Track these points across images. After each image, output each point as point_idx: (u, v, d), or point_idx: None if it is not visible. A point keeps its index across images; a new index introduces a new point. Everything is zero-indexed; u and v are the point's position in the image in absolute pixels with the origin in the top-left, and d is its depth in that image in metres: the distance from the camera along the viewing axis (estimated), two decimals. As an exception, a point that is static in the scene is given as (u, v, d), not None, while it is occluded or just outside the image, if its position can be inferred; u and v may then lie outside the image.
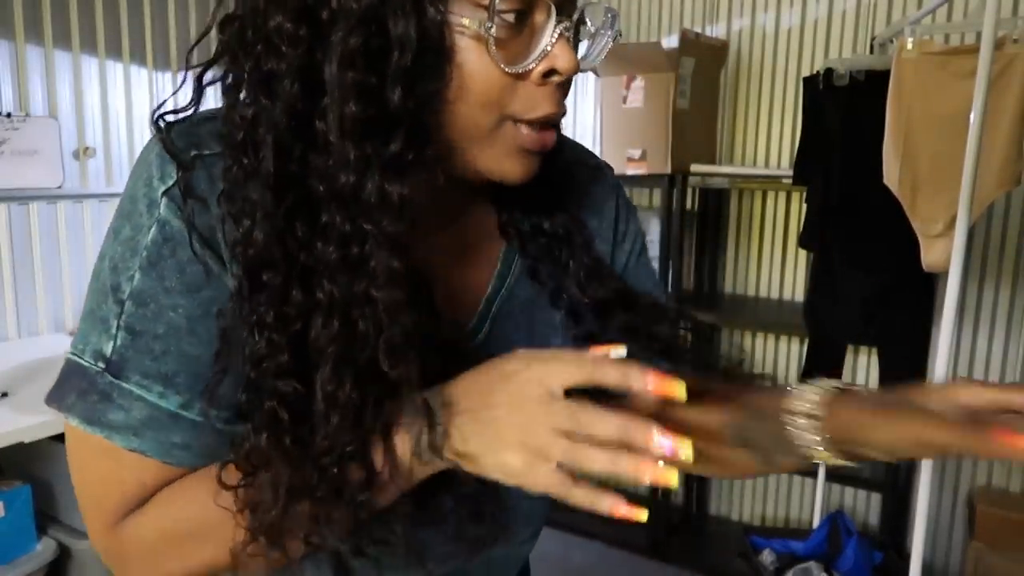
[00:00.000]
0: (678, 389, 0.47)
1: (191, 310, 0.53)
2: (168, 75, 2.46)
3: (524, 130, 0.53)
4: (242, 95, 0.51)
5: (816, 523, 2.53)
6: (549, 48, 0.51)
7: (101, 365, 0.54)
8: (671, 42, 2.47)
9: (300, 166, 0.50)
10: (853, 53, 2.47)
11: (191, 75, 0.53)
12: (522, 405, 0.48)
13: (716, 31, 2.70)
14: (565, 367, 0.48)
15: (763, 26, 2.64)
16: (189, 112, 0.54)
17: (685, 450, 0.46)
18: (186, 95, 0.54)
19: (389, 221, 0.49)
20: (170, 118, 0.54)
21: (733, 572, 2.50)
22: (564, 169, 0.67)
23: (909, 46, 1.85)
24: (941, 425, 0.47)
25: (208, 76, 0.53)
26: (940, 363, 1.57)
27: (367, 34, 0.47)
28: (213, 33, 0.54)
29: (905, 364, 2.17)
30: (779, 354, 2.76)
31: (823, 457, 0.52)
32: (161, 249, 0.53)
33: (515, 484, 0.48)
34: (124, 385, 0.54)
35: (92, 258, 2.27)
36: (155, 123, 0.54)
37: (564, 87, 0.54)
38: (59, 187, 2.16)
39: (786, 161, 2.63)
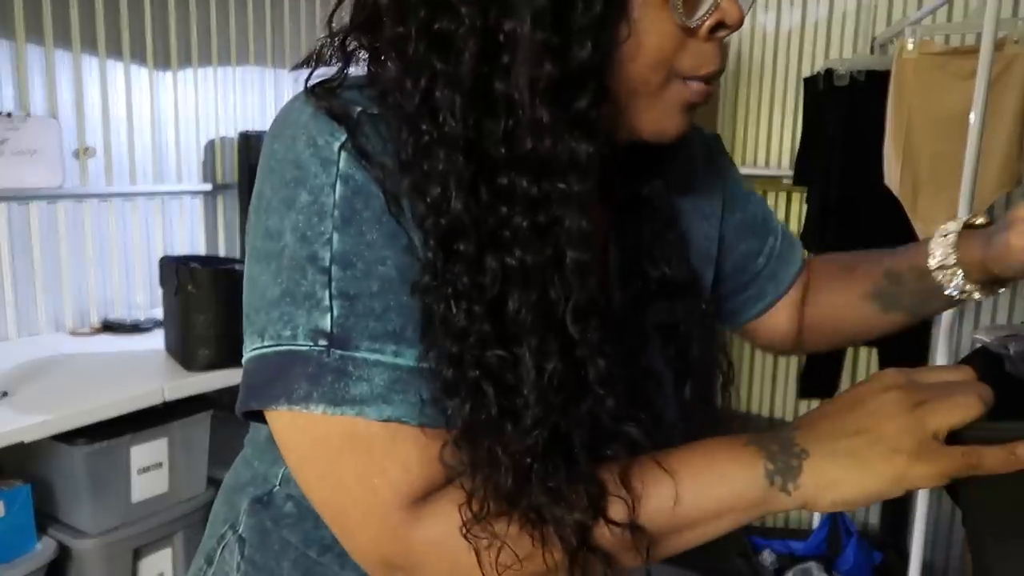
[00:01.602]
0: None
1: (399, 259, 0.49)
2: (168, 75, 2.46)
3: (693, 85, 0.53)
4: (407, 58, 0.49)
5: (816, 523, 2.53)
6: (719, 1, 0.51)
7: (323, 343, 0.49)
8: (671, 42, 2.47)
9: (477, 130, 0.48)
10: (853, 53, 2.47)
11: (330, 45, 0.52)
12: (888, 416, 0.48)
13: (716, 31, 2.70)
14: (943, 414, 0.48)
15: (763, 26, 2.64)
16: (335, 80, 0.52)
17: None
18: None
19: (578, 180, 0.48)
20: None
21: (733, 572, 2.50)
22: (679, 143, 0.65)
23: (909, 46, 1.85)
24: None
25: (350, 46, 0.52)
26: (940, 363, 1.57)
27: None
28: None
29: (905, 364, 2.16)
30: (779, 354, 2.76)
31: (970, 295, 0.62)
32: (353, 204, 0.49)
33: (898, 490, 0.48)
34: (357, 355, 0.49)
35: (92, 258, 2.27)
36: (310, 90, 0.51)
37: (724, 43, 0.54)
38: (59, 187, 2.16)
39: (786, 161, 2.63)
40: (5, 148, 2.04)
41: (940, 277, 0.65)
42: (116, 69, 2.32)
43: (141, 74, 2.38)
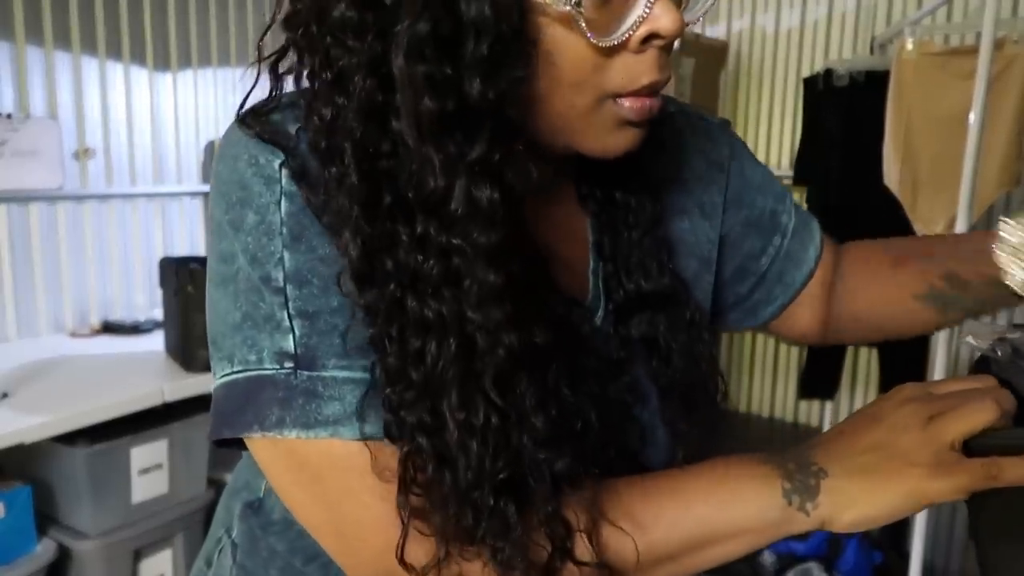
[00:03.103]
0: None
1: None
2: (168, 75, 2.46)
3: (626, 103, 0.48)
4: (315, 93, 0.47)
5: (816, 523, 2.53)
6: (647, 10, 0.45)
7: (290, 365, 0.47)
8: (671, 43, 2.47)
9: (388, 167, 0.45)
10: (853, 54, 2.47)
11: (262, 67, 0.50)
12: (903, 429, 0.47)
13: (716, 31, 2.70)
14: (958, 423, 0.47)
15: (763, 26, 2.64)
16: (269, 104, 0.51)
17: None
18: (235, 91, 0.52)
19: (480, 232, 0.44)
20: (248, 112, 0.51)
21: (733, 572, 2.50)
22: (667, 137, 0.62)
23: (909, 47, 1.85)
24: None
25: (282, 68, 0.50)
26: (940, 363, 1.57)
27: (436, 19, 0.42)
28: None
29: (905, 364, 2.17)
30: (779, 354, 2.76)
31: None
32: (300, 220, 0.48)
33: (917, 507, 0.46)
34: (325, 374, 0.47)
35: (92, 259, 2.27)
36: (240, 119, 0.50)
37: (667, 49, 0.48)
38: (59, 188, 2.16)
39: (786, 161, 2.63)
40: (5, 149, 2.04)
41: (1007, 266, 0.60)
42: (116, 70, 2.32)
43: (141, 75, 2.38)
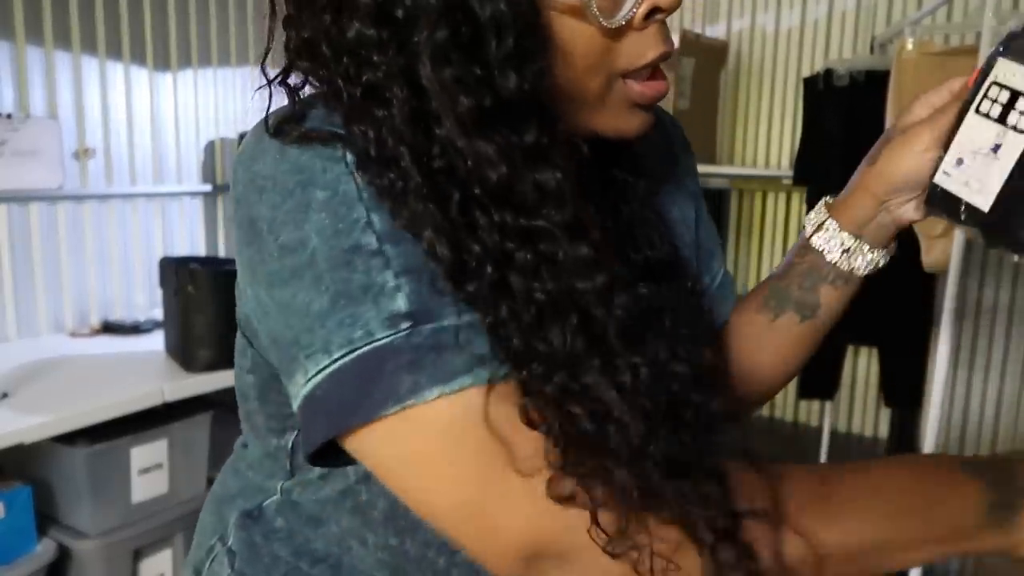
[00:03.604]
0: None
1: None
2: (168, 75, 2.46)
3: (636, 86, 0.51)
4: (349, 110, 0.47)
5: (816, 523, 2.53)
6: None
7: (406, 325, 0.44)
8: (671, 42, 2.47)
9: (443, 167, 0.45)
10: (853, 53, 2.47)
11: (273, 87, 0.51)
12: None
13: (716, 31, 2.70)
14: None
15: (763, 26, 2.64)
16: (295, 113, 0.49)
17: None
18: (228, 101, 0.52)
19: (556, 211, 0.45)
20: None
21: (733, 572, 2.51)
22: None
23: (909, 46, 1.85)
24: None
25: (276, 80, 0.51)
26: (940, 363, 1.57)
27: (453, 25, 0.43)
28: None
29: (905, 364, 2.17)
30: (779, 354, 2.75)
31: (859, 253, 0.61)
32: (380, 184, 0.46)
33: None
34: (447, 323, 0.44)
35: (92, 259, 2.27)
36: (275, 131, 0.48)
37: (664, 24, 0.51)
38: (59, 188, 2.16)
39: (786, 161, 2.63)
40: (5, 149, 2.04)
41: (819, 243, 0.64)
42: (116, 70, 2.32)
43: (141, 75, 2.38)
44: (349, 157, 0.46)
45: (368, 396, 0.43)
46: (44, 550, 1.71)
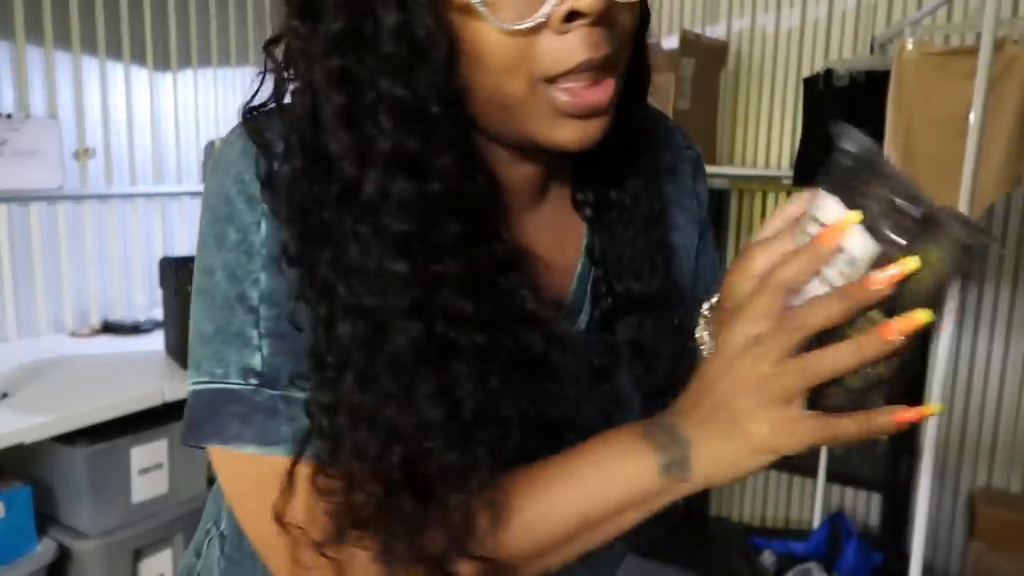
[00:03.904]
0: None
1: None
2: (168, 75, 2.46)
3: (562, 94, 0.47)
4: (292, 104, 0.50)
5: (816, 524, 2.53)
6: None
7: (254, 381, 0.49)
8: (671, 43, 2.47)
9: (320, 163, 0.48)
10: (853, 54, 2.47)
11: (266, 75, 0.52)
12: (744, 391, 0.44)
13: (716, 32, 2.70)
14: (799, 261, 0.43)
15: (763, 26, 2.64)
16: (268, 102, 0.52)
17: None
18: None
19: (393, 220, 0.45)
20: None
21: (733, 573, 2.50)
22: (640, 132, 0.60)
23: (909, 47, 1.85)
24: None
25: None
26: (940, 364, 1.57)
27: (353, 19, 0.45)
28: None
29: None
30: (779, 355, 2.75)
31: None
32: (279, 241, 0.49)
33: (768, 461, 0.45)
34: (287, 394, 0.49)
35: (92, 259, 2.27)
36: (245, 115, 0.52)
37: (607, 26, 0.46)
38: (59, 188, 2.16)
39: (786, 162, 2.63)
40: (5, 149, 2.04)
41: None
42: (116, 70, 2.32)
43: (141, 75, 2.38)
44: (267, 193, 0.49)
45: (205, 425, 0.50)
46: (44, 550, 1.71)
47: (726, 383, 0.45)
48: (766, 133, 2.68)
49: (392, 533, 0.47)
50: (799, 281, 0.44)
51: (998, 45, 1.63)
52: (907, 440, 2.43)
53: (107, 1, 2.26)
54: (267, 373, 0.49)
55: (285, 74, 0.50)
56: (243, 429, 0.49)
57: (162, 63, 2.44)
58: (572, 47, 0.45)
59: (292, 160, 0.48)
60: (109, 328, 2.24)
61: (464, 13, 0.45)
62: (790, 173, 2.27)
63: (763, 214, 2.73)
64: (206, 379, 0.50)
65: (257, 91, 0.53)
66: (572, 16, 0.44)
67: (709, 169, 2.70)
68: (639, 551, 2.60)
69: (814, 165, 1.97)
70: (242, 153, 0.51)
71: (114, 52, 2.30)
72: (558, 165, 0.58)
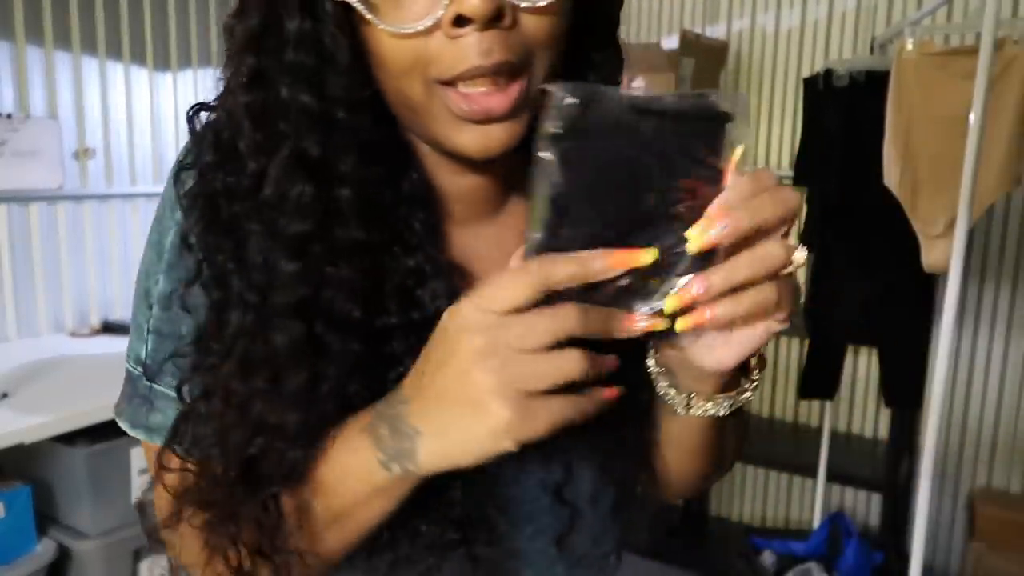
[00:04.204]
0: (644, 256, 0.40)
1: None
2: (168, 75, 2.46)
3: (459, 100, 0.46)
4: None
5: (816, 524, 2.53)
6: None
7: (140, 370, 0.55)
8: (671, 43, 2.47)
9: (232, 163, 0.50)
10: (853, 54, 2.47)
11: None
12: (457, 354, 0.42)
13: (716, 32, 2.70)
14: (507, 285, 0.41)
15: (763, 27, 2.64)
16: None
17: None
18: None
19: (288, 220, 0.47)
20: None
21: (733, 573, 2.50)
22: None
23: (909, 47, 1.85)
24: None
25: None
26: (940, 364, 1.57)
27: (264, 21, 0.47)
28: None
29: (905, 364, 2.17)
30: (779, 354, 2.75)
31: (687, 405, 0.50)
32: (180, 251, 0.52)
33: (492, 450, 0.42)
34: (158, 387, 0.54)
35: (92, 259, 2.27)
36: (188, 119, 0.55)
37: (506, 31, 0.45)
38: (59, 188, 2.16)
39: (786, 162, 2.63)
40: (5, 149, 2.04)
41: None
42: (116, 70, 2.32)
43: (141, 75, 2.38)
44: (182, 206, 0.52)
45: (120, 396, 0.58)
46: (44, 550, 1.71)
47: (457, 364, 0.42)
48: (766, 133, 2.68)
49: (219, 518, 0.49)
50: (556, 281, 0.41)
51: (998, 45, 1.63)
52: (907, 440, 2.43)
53: (107, 1, 2.26)
54: (149, 365, 0.55)
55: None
56: (126, 407, 0.57)
57: (162, 63, 2.44)
58: (462, 52, 0.44)
59: (206, 153, 0.51)
60: (109, 328, 2.24)
61: (363, 19, 0.46)
62: (790, 173, 2.27)
63: (763, 214, 2.73)
64: (127, 359, 0.58)
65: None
66: (461, 20, 0.44)
67: (709, 169, 2.67)
68: (639, 551, 2.60)
69: (814, 165, 1.99)
70: (178, 160, 0.54)
71: (114, 52, 2.30)
72: (512, 177, 0.56)
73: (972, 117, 1.50)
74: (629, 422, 0.55)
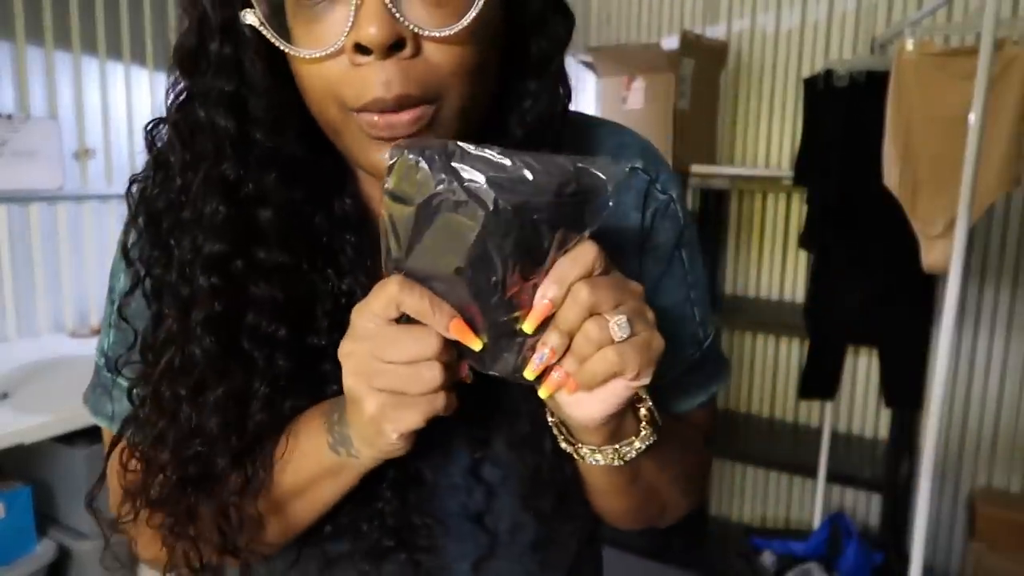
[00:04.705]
0: (475, 343, 0.44)
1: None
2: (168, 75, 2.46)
3: (364, 116, 0.46)
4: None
5: (816, 524, 2.53)
6: (351, 19, 0.44)
7: (101, 361, 0.60)
8: (671, 43, 2.47)
9: (164, 179, 0.53)
10: (853, 54, 2.47)
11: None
12: (350, 347, 0.46)
13: (716, 32, 2.70)
14: (374, 299, 0.45)
15: (763, 27, 2.64)
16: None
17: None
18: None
19: (205, 238, 0.50)
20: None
21: (733, 573, 2.50)
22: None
23: (909, 47, 1.85)
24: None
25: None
26: (940, 364, 1.57)
27: (197, 42, 0.49)
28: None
29: (905, 364, 2.17)
30: (779, 354, 2.76)
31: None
32: (138, 248, 0.56)
33: (381, 439, 0.47)
34: (117, 379, 0.58)
35: (92, 259, 2.27)
36: (145, 128, 0.55)
37: (411, 61, 0.45)
38: (59, 188, 2.16)
39: (786, 162, 2.63)
40: (5, 149, 2.04)
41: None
42: (116, 70, 2.32)
43: (141, 75, 2.38)
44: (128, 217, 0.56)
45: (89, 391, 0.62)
46: (44, 550, 1.71)
47: (344, 364, 0.47)
48: (766, 133, 2.68)
49: (172, 516, 0.53)
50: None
51: (998, 45, 1.64)
52: (907, 440, 2.43)
53: (107, 1, 2.26)
54: (110, 356, 0.58)
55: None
56: (91, 395, 0.61)
57: (162, 63, 2.44)
58: (365, 82, 0.45)
59: (147, 168, 0.54)
60: (109, 328, 2.24)
61: (268, 34, 0.47)
62: (790, 173, 2.27)
63: (763, 214, 2.73)
64: (96, 350, 0.61)
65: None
66: (361, 48, 0.44)
67: (709, 169, 2.69)
68: (639, 551, 2.60)
69: (814, 165, 1.99)
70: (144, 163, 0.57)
71: (114, 52, 2.30)
72: None
73: (972, 117, 1.50)
74: (545, 457, 0.56)
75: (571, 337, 0.44)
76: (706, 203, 2.76)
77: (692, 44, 2.43)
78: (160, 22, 2.41)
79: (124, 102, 2.34)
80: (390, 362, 0.44)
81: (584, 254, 0.43)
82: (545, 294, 0.43)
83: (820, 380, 2.31)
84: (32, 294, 2.16)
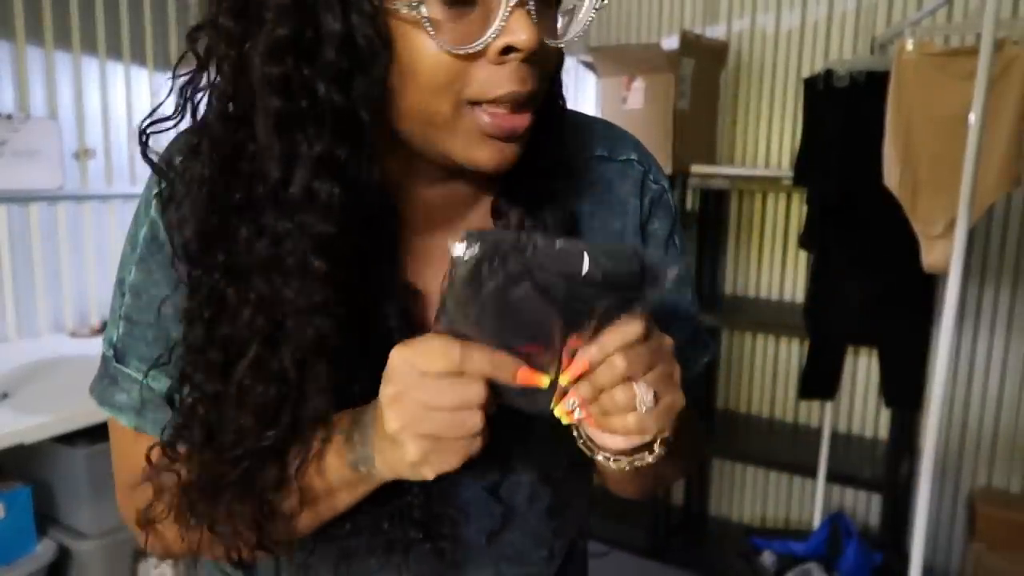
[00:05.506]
0: (543, 380, 0.47)
1: (176, 301, 0.56)
2: (168, 76, 2.46)
3: (485, 116, 0.50)
4: (204, 101, 0.53)
5: (816, 524, 2.53)
6: (504, 23, 0.47)
7: (110, 352, 0.60)
8: (671, 43, 2.47)
9: (249, 169, 0.50)
10: (853, 54, 2.47)
11: (171, 84, 0.55)
12: (381, 395, 0.48)
13: (716, 32, 2.70)
14: (430, 354, 0.46)
15: (763, 27, 2.64)
16: (176, 120, 0.55)
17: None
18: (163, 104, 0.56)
19: (316, 220, 0.49)
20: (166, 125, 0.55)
21: (733, 573, 2.50)
22: (570, 159, 0.62)
23: (909, 47, 1.85)
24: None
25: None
26: (940, 364, 1.57)
27: (296, 25, 0.47)
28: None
29: (905, 365, 2.17)
30: (779, 354, 2.76)
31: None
32: (150, 246, 0.57)
33: (416, 476, 0.49)
34: (124, 369, 0.59)
35: (92, 259, 2.27)
36: (140, 131, 0.55)
37: (535, 64, 0.50)
38: (59, 188, 2.16)
39: (786, 162, 2.63)
40: (5, 149, 2.04)
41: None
42: (116, 70, 2.32)
43: (141, 75, 2.38)
44: (155, 202, 0.56)
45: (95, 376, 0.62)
46: (44, 550, 1.71)
47: (380, 400, 0.49)
48: (766, 133, 2.68)
49: (210, 515, 0.53)
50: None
51: (998, 46, 1.64)
52: (907, 440, 2.43)
53: (107, 1, 2.26)
54: (118, 348, 0.59)
55: (204, 76, 0.52)
56: (97, 386, 0.61)
57: (162, 63, 2.44)
58: (503, 78, 0.49)
59: (196, 167, 0.52)
60: (109, 328, 2.24)
61: (407, 28, 0.48)
62: (790, 173, 2.27)
63: (763, 214, 2.73)
64: (104, 344, 0.61)
65: (162, 104, 0.56)
66: (508, 50, 0.48)
67: (709, 169, 2.69)
68: (639, 551, 2.60)
69: (814, 165, 1.99)
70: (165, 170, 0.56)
71: (114, 52, 2.30)
72: (473, 196, 0.61)
73: (972, 117, 1.50)
74: (565, 439, 0.57)
75: (601, 392, 0.48)
76: (706, 203, 2.75)
77: (692, 44, 2.43)
78: (160, 22, 2.41)
79: (124, 102, 2.34)
80: (432, 408, 0.46)
81: (630, 330, 0.47)
82: (585, 356, 0.47)
83: (820, 380, 2.31)
84: (32, 294, 2.16)
